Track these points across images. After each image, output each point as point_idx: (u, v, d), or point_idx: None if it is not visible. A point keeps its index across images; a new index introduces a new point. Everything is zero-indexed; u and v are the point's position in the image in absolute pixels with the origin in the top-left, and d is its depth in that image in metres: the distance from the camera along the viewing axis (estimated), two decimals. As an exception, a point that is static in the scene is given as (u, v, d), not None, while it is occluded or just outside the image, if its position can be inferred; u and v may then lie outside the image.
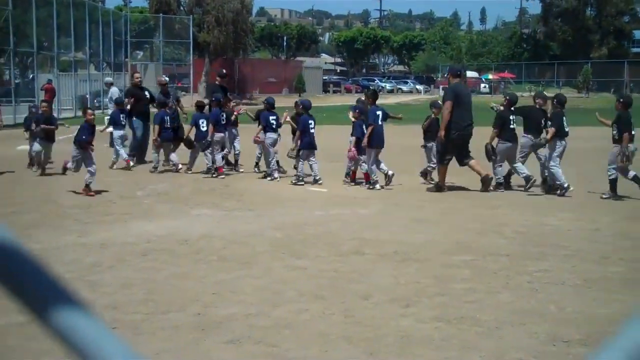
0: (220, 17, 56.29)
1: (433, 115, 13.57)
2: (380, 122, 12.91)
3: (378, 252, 8.12)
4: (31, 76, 39.41)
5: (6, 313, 5.45)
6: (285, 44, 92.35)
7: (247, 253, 8.09)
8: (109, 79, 25.29)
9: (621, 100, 12.38)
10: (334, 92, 70.65)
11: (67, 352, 0.60)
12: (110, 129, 15.73)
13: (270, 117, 14.01)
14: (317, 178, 13.23)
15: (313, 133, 13.42)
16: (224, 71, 17.58)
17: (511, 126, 12.80)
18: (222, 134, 14.26)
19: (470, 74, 69.10)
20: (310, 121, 13.52)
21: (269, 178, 13.74)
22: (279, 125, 14.09)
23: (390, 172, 12.80)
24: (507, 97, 13.46)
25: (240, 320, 5.72)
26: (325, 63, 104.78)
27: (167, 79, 18.57)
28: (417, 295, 6.46)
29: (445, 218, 10.36)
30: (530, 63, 79.54)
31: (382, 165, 12.94)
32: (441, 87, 65.94)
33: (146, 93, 17.05)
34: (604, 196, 11.83)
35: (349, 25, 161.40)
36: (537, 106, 13.13)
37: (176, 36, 54.79)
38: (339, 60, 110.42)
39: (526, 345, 5.22)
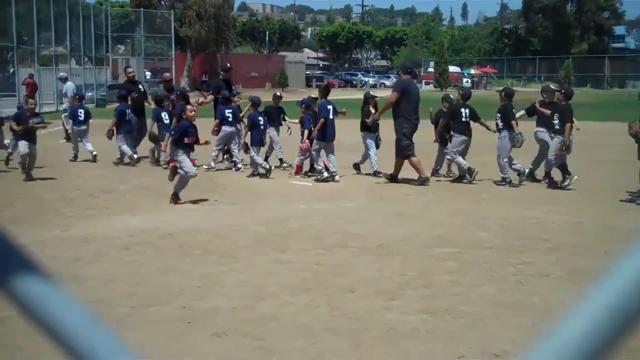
0: (201, 12, 56.11)
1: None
2: (331, 116, 13.24)
3: (362, 245, 8.12)
4: (11, 70, 39.03)
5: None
6: (267, 38, 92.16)
7: (232, 247, 8.06)
8: (62, 74, 25.15)
9: (563, 92, 13.10)
10: (317, 86, 70.53)
11: (30, 322, 0.58)
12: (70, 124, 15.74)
13: (226, 111, 14.23)
14: (267, 168, 13.54)
15: (262, 129, 13.86)
16: (228, 65, 16.75)
17: (463, 119, 13.05)
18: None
19: (452, 68, 69.35)
20: (259, 117, 13.95)
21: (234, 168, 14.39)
22: (235, 118, 14.37)
23: (336, 176, 13.09)
24: (460, 92, 13.86)
25: (226, 314, 5.70)
26: (308, 58, 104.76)
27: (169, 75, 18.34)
28: (402, 287, 6.46)
29: (429, 211, 10.38)
30: (511, 58, 79.96)
31: (333, 163, 13.16)
32: (423, 81, 66.34)
33: (140, 87, 16.75)
34: (564, 184, 12.30)
35: (331, 20, 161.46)
36: (545, 100, 13.18)
37: (157, 31, 54.55)
38: (321, 55, 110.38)
39: (511, 337, 5.24)
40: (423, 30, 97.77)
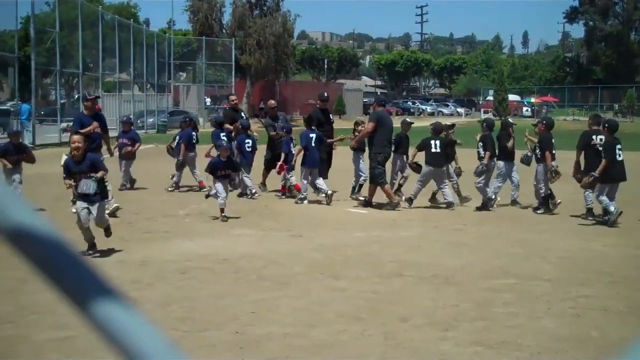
0: (261, 40, 56.93)
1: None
2: (313, 144, 13.72)
3: (418, 275, 8.05)
4: (76, 96, 40.15)
5: (46, 329, 5.52)
6: (326, 66, 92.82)
7: (286, 273, 8.08)
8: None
9: (544, 122, 13.45)
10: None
11: (108, 345, 0.60)
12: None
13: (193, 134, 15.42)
14: (253, 192, 14.21)
15: (250, 151, 14.52)
16: (326, 94, 15.94)
17: (433, 150, 13.20)
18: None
19: (512, 97, 68.67)
20: (247, 140, 14.63)
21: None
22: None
23: (329, 192, 13.45)
24: (431, 127, 13.98)
25: (278, 340, 5.70)
26: (366, 85, 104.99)
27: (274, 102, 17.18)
28: (457, 319, 6.38)
29: (486, 242, 10.24)
30: (573, 87, 78.76)
31: (320, 184, 13.67)
32: (482, 110, 65.83)
33: (242, 114, 16.47)
34: (538, 212, 12.71)
35: (389, 48, 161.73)
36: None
37: (218, 58, 55.51)
38: (379, 82, 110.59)
39: (569, 372, 5.10)
40: (483, 58, 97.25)
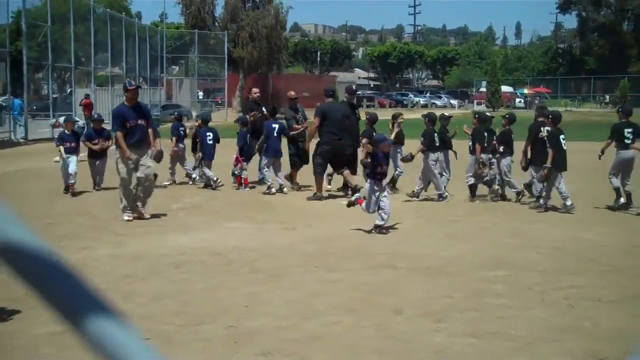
0: (254, 33, 56.82)
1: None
2: (275, 134, 14.11)
3: (411, 266, 8.07)
4: (69, 90, 40.04)
5: (40, 323, 5.52)
6: (318, 59, 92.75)
7: (279, 266, 8.10)
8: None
9: (477, 116, 13.94)
10: (368, 106, 70.54)
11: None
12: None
13: (180, 129, 15.53)
14: (216, 180, 14.48)
15: (211, 144, 14.82)
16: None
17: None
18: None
19: (505, 88, 68.73)
20: (208, 133, 14.90)
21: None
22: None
23: (273, 190, 13.77)
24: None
25: (272, 333, 5.72)
26: (359, 78, 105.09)
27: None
28: (450, 310, 6.40)
29: (479, 233, 10.27)
30: (566, 77, 78.87)
31: (279, 175, 14.10)
32: (475, 101, 65.88)
33: (263, 109, 15.86)
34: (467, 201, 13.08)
35: (382, 40, 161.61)
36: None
37: (211, 52, 55.39)
38: (372, 75, 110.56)
39: (561, 362, 5.13)
40: (475, 49, 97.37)
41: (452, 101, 75.46)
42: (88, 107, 30.88)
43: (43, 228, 9.87)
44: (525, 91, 72.57)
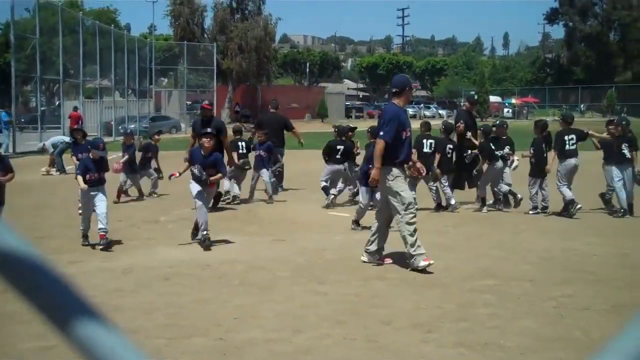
0: (243, 45, 56.91)
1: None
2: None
3: (400, 277, 8.08)
4: (57, 103, 39.94)
5: (28, 338, 5.49)
6: (308, 70, 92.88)
7: (269, 278, 8.08)
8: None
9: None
10: (357, 117, 70.72)
11: None
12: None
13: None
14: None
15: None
16: (475, 96, 15.72)
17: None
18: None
19: (493, 98, 69.03)
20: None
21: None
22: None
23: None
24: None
25: (262, 345, 5.70)
26: (348, 89, 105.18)
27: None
28: (440, 320, 6.40)
29: (468, 243, 10.28)
30: (553, 87, 79.31)
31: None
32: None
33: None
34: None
35: (371, 51, 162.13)
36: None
37: (200, 63, 55.39)
38: (361, 85, 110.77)
39: (551, 372, 5.14)
40: (464, 60, 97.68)
41: (440, 111, 75.63)
42: (75, 119, 30.80)
43: (32, 242, 9.79)
44: (513, 101, 72.91)
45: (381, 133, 8.57)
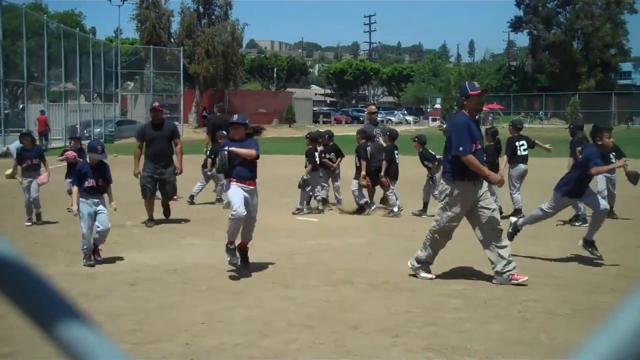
0: (210, 49, 56.73)
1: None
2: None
3: (369, 282, 8.08)
4: (21, 106, 39.38)
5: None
6: (275, 75, 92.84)
7: (237, 283, 8.04)
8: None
9: (388, 133, 14.08)
10: (324, 122, 70.86)
11: None
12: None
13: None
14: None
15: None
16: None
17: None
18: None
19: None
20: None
21: None
22: None
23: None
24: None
25: (230, 351, 5.66)
26: (315, 94, 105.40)
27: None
28: (408, 324, 6.42)
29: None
30: (518, 95, 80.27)
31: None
32: (430, 118, 66.59)
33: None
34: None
35: (338, 57, 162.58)
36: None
37: (167, 67, 55.08)
38: (328, 91, 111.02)
39: (518, 375, 5.17)
40: (430, 67, 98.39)
41: (407, 117, 76.10)
42: (43, 123, 30.42)
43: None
44: (479, 108, 73.53)
45: (460, 149, 8.00)
